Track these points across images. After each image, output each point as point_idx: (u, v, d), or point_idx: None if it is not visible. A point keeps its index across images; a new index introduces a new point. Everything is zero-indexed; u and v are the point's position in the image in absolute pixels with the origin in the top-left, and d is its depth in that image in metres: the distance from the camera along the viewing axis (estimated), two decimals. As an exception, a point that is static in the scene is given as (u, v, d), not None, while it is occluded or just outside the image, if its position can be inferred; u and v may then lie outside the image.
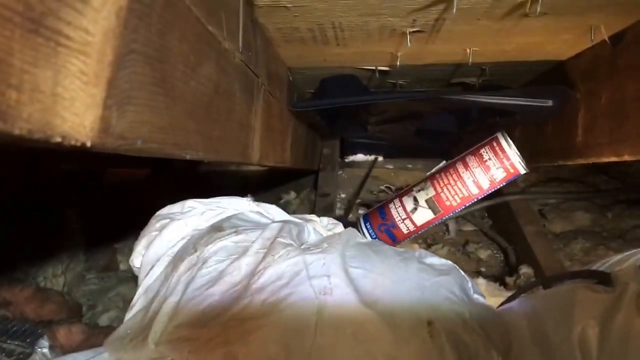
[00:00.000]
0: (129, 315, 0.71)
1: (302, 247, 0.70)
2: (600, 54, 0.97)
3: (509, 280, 1.16)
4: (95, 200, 1.36)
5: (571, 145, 1.07)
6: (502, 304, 0.81)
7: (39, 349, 0.84)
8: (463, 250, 1.36)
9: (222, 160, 0.69)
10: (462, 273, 0.74)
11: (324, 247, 0.68)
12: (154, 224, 0.81)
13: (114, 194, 1.45)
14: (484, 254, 1.34)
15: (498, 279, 1.17)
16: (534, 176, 1.52)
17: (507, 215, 1.35)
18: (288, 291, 0.61)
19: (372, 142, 1.79)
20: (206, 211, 0.80)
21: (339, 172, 1.72)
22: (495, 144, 1.02)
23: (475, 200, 1.04)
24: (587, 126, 1.02)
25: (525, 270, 1.16)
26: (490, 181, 1.02)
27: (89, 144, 0.35)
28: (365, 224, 1.09)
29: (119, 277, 1.22)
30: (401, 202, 1.07)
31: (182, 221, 0.78)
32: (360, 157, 1.84)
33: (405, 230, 1.06)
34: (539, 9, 0.74)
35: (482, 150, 1.03)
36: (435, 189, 1.04)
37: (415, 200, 1.05)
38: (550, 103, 1.04)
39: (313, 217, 0.99)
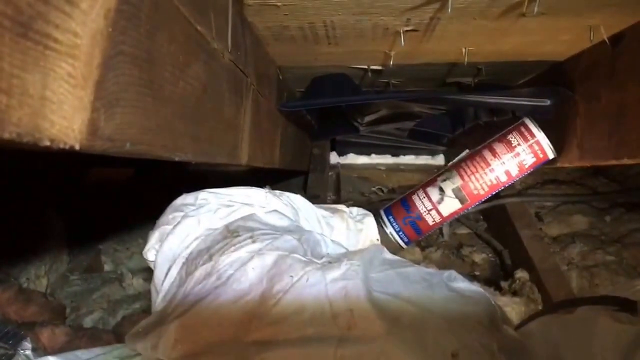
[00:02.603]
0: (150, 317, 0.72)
1: (321, 263, 0.70)
2: (599, 55, 0.97)
3: (504, 284, 1.17)
4: (79, 200, 1.36)
5: (569, 148, 1.08)
6: (522, 324, 0.80)
7: (22, 351, 0.85)
8: (457, 253, 1.37)
9: (211, 162, 0.70)
10: (493, 301, 0.73)
11: (345, 271, 0.67)
12: (168, 215, 0.82)
13: (98, 194, 1.45)
14: (478, 257, 1.35)
15: (493, 283, 1.19)
16: (531, 178, 1.52)
17: (502, 218, 1.36)
18: (311, 330, 0.60)
19: (363, 142, 1.79)
20: (220, 208, 0.81)
21: (329, 173, 1.72)
22: (523, 129, 1.03)
23: (503, 187, 1.05)
24: (586, 128, 1.03)
25: (520, 274, 1.16)
26: (519, 167, 1.03)
27: (77, 147, 0.35)
28: (387, 217, 1.08)
29: (103, 278, 1.22)
30: (426, 192, 1.07)
31: (195, 218, 0.79)
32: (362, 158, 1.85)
33: (431, 222, 1.07)
34: (536, 9, 0.74)
35: (509, 136, 1.04)
36: (462, 178, 1.05)
37: (441, 190, 1.06)
38: (547, 102, 1.05)
39: (342, 207, 1.00)
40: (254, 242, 0.71)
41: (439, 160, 1.80)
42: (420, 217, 1.06)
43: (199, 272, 0.68)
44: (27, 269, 1.13)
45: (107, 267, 1.28)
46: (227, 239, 0.73)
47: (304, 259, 0.69)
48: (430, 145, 1.77)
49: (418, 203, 1.07)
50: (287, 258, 0.68)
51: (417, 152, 1.81)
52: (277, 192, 0.88)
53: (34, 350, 0.88)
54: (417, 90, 1.41)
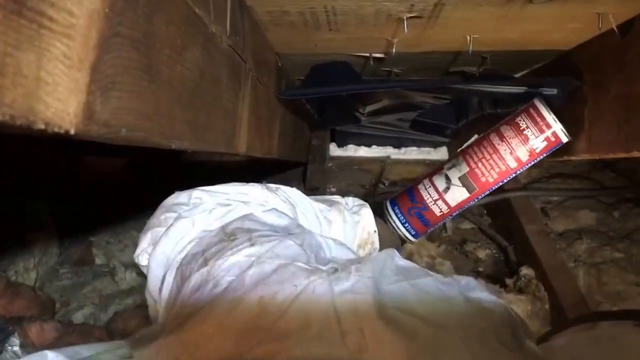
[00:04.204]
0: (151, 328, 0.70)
1: (326, 270, 0.66)
2: (608, 44, 0.96)
3: (509, 281, 1.17)
4: (70, 190, 1.36)
5: (577, 140, 1.06)
6: (544, 338, 0.78)
7: (10, 347, 0.84)
8: (460, 249, 1.36)
9: (208, 150, 0.70)
10: (514, 313, 0.69)
11: (354, 282, 0.63)
12: (159, 216, 0.81)
13: (90, 185, 1.44)
14: (482, 253, 1.35)
15: (497, 280, 1.19)
16: (536, 172, 1.52)
17: (507, 213, 1.36)
18: (318, 349, 0.56)
19: (364, 133, 1.78)
20: (215, 207, 0.79)
21: (329, 165, 1.71)
22: (532, 111, 1.01)
23: (514, 175, 1.03)
24: (594, 120, 1.02)
25: (526, 271, 1.17)
26: (529, 152, 1.01)
27: (72, 132, 0.35)
28: (393, 208, 1.07)
29: (94, 272, 1.21)
30: (431, 181, 1.06)
31: (188, 220, 0.77)
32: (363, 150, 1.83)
33: (438, 212, 1.05)
34: (545, -5, 0.73)
35: (518, 119, 1.02)
36: (468, 165, 1.04)
37: (447, 178, 1.05)
38: (554, 92, 1.04)
39: (338, 198, 0.98)
40: (252, 245, 0.69)
41: (442, 152, 1.78)
42: (427, 208, 1.05)
43: (195, 278, 0.67)
44: (15, 261, 1.12)
45: (98, 261, 1.26)
46: (223, 242, 0.71)
47: (307, 266, 0.66)
48: (433, 137, 1.76)
49: (424, 193, 1.06)
50: (289, 266, 0.65)
51: (420, 143, 1.80)
52: (273, 186, 0.87)
53: (22, 346, 0.87)
54: (420, 79, 1.40)
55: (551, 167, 1.55)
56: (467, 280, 0.69)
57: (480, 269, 1.31)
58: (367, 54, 1.16)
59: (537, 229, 1.26)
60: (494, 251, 1.36)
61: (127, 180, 1.52)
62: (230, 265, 0.66)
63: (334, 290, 0.61)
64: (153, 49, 0.48)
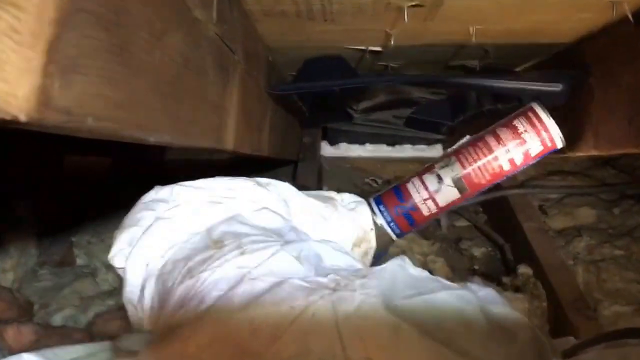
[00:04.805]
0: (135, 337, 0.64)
1: (326, 282, 0.59)
2: (619, 34, 0.92)
3: (506, 279, 1.14)
4: (52, 189, 1.31)
5: (583, 136, 1.03)
6: (572, 352, 0.73)
7: (-15, 351, 0.79)
8: (455, 247, 1.33)
9: (192, 146, 0.64)
10: (538, 333, 0.62)
11: (360, 303, 0.56)
12: (137, 214, 0.74)
13: (73, 183, 1.39)
14: (478, 251, 1.32)
15: (494, 279, 1.17)
16: (534, 169, 1.47)
17: (504, 211, 1.32)
18: None
19: (357, 131, 1.73)
20: (199, 206, 0.72)
21: (321, 163, 1.67)
22: (531, 115, 0.98)
23: (506, 177, 1.01)
24: (602, 115, 0.99)
25: (523, 269, 1.14)
26: (524, 156, 0.98)
27: (23, 119, 0.29)
28: (378, 206, 1.03)
29: (75, 273, 1.16)
30: (422, 181, 1.01)
31: (169, 221, 0.70)
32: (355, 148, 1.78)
33: (426, 212, 1.01)
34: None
35: (515, 122, 0.99)
36: (462, 165, 1.00)
37: (439, 178, 1.00)
38: (559, 88, 1.00)
39: (333, 194, 0.93)
40: (242, 253, 0.62)
41: (437, 150, 1.74)
42: (415, 207, 1.01)
43: (179, 292, 0.60)
44: (-9, 262, 1.07)
45: (79, 261, 1.21)
46: (209, 250, 0.64)
47: (306, 284, 0.58)
48: (428, 135, 1.72)
49: (413, 192, 1.01)
50: (284, 284, 0.58)
51: (414, 141, 1.75)
52: (264, 181, 0.81)
53: (-2, 349, 0.83)
54: (417, 74, 1.35)
55: (549, 164, 1.51)
56: (485, 292, 0.63)
57: (476, 267, 1.28)
58: (364, 47, 1.11)
59: (535, 227, 1.22)
60: (489, 249, 1.32)
61: (111, 180, 1.47)
62: (218, 279, 0.59)
63: (337, 312, 0.54)
64: (127, 30, 0.42)
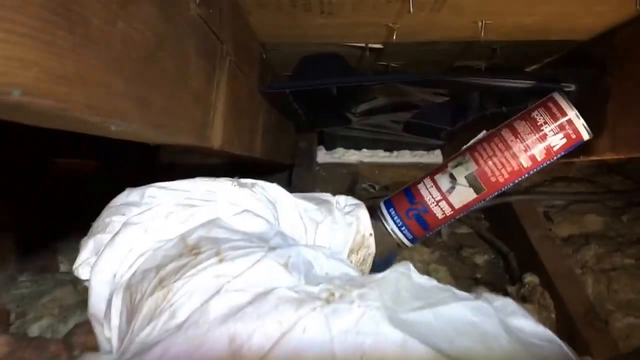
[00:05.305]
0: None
1: (317, 292, 0.50)
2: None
3: (511, 289, 1.09)
4: (35, 193, 1.24)
5: (598, 138, 0.94)
6: None
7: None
8: (457, 255, 1.26)
9: (169, 142, 0.54)
10: (567, 349, 0.51)
11: (359, 317, 0.46)
12: (104, 219, 0.62)
13: (58, 187, 1.32)
14: (480, 259, 1.25)
15: (497, 288, 1.12)
16: (538, 175, 1.40)
17: (508, 217, 1.25)
18: None
19: (354, 135, 1.65)
20: (174, 210, 0.61)
21: (317, 168, 1.59)
22: (551, 105, 0.88)
23: (527, 175, 0.91)
24: (621, 115, 0.90)
25: (530, 278, 1.08)
26: (545, 151, 0.88)
27: None
28: (388, 209, 0.94)
29: (56, 280, 1.09)
30: (434, 181, 0.93)
31: (139, 226, 0.59)
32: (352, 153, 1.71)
33: (440, 215, 0.92)
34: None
35: (534, 114, 0.89)
36: (477, 163, 0.90)
37: (452, 177, 0.91)
38: (572, 88, 0.91)
39: (328, 196, 0.83)
40: (220, 261, 0.52)
41: (436, 155, 1.67)
42: (427, 210, 0.92)
43: (148, 305, 0.50)
44: (-35, 269, 1.03)
45: (63, 268, 1.14)
46: (183, 257, 0.54)
47: (295, 294, 0.49)
48: (427, 140, 1.64)
49: (424, 193, 0.92)
50: (269, 295, 0.48)
51: (413, 147, 1.68)
52: (248, 181, 0.70)
53: (-30, 362, 0.78)
54: (420, 73, 1.26)
55: (553, 170, 1.45)
56: (502, 302, 0.53)
57: (478, 276, 1.21)
58: (363, 44, 1.03)
59: (541, 234, 1.16)
60: (492, 257, 1.25)
61: (99, 184, 1.39)
62: (192, 290, 0.49)
63: (331, 328, 0.45)
64: (74, -11, 0.33)
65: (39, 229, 1.17)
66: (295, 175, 1.48)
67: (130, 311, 0.53)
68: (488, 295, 0.54)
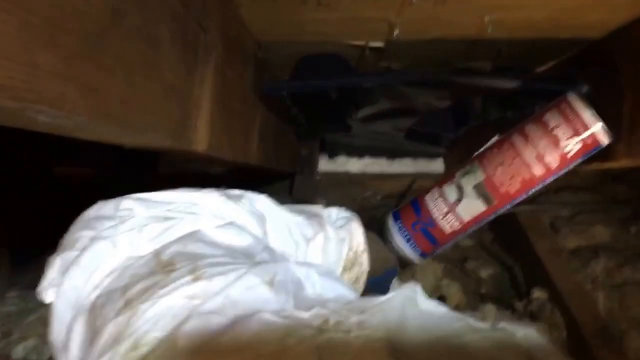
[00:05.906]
0: None
1: (309, 318, 0.42)
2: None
3: (519, 305, 1.02)
4: (27, 204, 1.18)
5: (613, 143, 0.84)
6: None
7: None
8: (460, 267, 1.17)
9: (138, 139, 0.44)
10: None
11: (357, 353, 0.39)
12: (73, 234, 0.54)
13: (50, 197, 1.24)
14: (485, 272, 1.16)
15: (504, 303, 1.05)
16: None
17: (513, 229, 1.17)
18: None
19: (356, 144, 1.58)
20: (149, 223, 0.53)
21: (318, 177, 1.53)
22: (565, 107, 0.79)
23: (540, 185, 0.82)
24: (636, 118, 0.81)
25: (538, 294, 1.01)
26: (560, 157, 0.79)
27: None
28: (395, 222, 0.87)
29: (43, 297, 0.99)
30: (441, 192, 0.85)
31: (109, 241, 0.51)
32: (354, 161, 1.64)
33: (448, 229, 0.84)
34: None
35: (546, 117, 0.80)
36: (485, 172, 0.82)
37: (460, 187, 0.83)
38: (584, 89, 0.82)
39: (319, 209, 0.75)
40: (196, 280, 0.44)
41: (439, 164, 1.59)
42: (434, 223, 0.83)
43: (108, 331, 0.41)
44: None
45: None
46: (155, 275, 0.45)
47: (280, 320, 0.41)
48: (429, 148, 1.56)
49: (431, 205, 0.84)
50: (251, 319, 0.40)
51: (415, 154, 1.61)
52: (235, 192, 0.61)
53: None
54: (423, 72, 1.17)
55: (557, 179, 1.33)
56: (525, 333, 0.44)
57: (483, 291, 1.12)
58: (363, 43, 0.94)
59: (549, 247, 1.08)
60: (497, 270, 1.16)
61: (95, 193, 1.32)
62: (159, 314, 0.40)
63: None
64: None
65: (29, 242, 1.06)
66: (297, 183, 1.44)
67: (91, 339, 0.43)
68: (507, 324, 0.44)
